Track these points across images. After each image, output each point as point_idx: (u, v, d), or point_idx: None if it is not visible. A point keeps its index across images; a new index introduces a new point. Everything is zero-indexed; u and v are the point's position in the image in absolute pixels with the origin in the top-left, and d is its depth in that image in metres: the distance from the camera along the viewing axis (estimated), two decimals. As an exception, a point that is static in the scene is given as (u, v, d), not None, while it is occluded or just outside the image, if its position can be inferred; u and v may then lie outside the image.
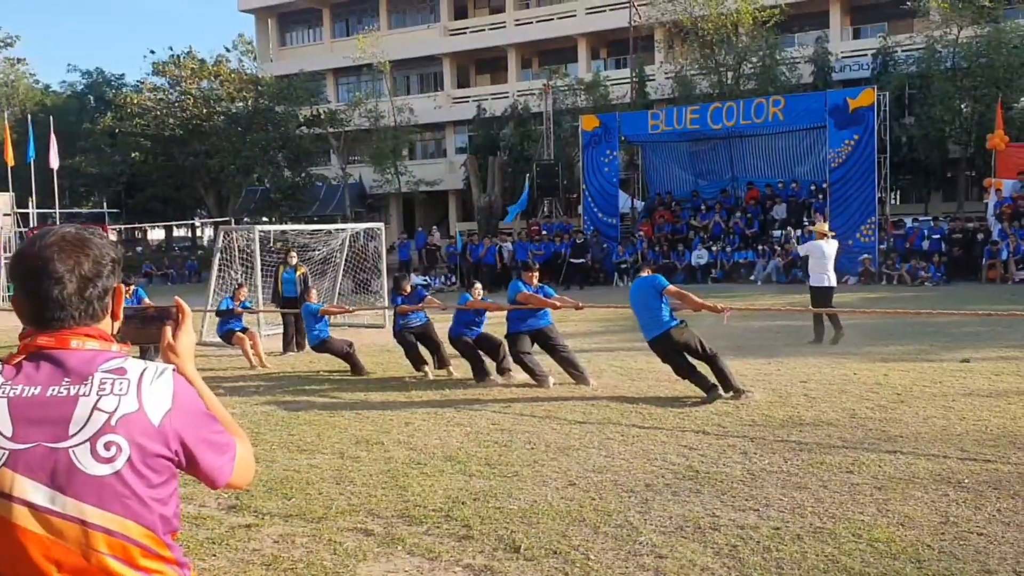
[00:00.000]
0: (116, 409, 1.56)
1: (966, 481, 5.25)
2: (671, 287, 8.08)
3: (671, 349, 7.99)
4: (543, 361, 9.11)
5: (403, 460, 6.15)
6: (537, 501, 5.13)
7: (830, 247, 11.85)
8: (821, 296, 11.67)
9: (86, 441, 1.54)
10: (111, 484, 1.54)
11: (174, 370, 1.67)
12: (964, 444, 6.10)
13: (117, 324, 1.72)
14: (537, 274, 9.22)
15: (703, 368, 7.97)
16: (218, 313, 11.65)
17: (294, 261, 13.00)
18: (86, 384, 1.57)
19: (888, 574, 3.93)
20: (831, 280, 11.82)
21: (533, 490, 5.36)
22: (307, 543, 4.61)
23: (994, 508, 4.76)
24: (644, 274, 8.54)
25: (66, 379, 1.58)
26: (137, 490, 1.56)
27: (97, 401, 1.56)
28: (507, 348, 9.08)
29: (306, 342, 12.35)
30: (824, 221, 12.59)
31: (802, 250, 12.86)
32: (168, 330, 1.81)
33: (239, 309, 11.57)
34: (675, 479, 5.52)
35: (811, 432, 6.61)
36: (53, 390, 1.57)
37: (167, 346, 1.80)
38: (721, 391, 7.80)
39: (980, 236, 21.50)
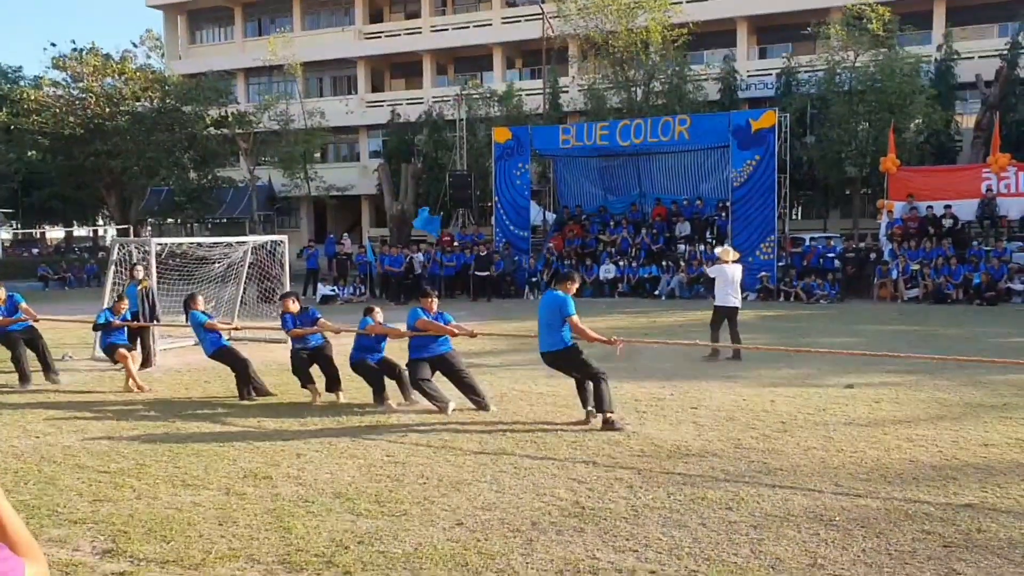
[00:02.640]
0: None
1: (837, 519, 5.47)
2: (574, 318, 8.13)
3: (559, 365, 8.42)
4: (444, 385, 9.10)
5: (290, 497, 6.07)
6: (423, 544, 5.13)
7: (735, 270, 12.60)
8: (726, 315, 12.38)
9: None
10: None
11: None
12: (839, 478, 6.35)
13: None
14: (436, 300, 9.23)
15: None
16: (95, 327, 11.19)
17: (139, 275, 12.75)
18: None
19: (753, 621, 4.07)
20: (736, 301, 12.51)
21: (420, 531, 5.35)
22: (182, 593, 4.51)
23: (860, 548, 4.97)
24: (564, 289, 8.34)
25: None
26: None
27: None
28: (407, 374, 9.05)
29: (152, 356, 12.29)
30: (729, 246, 13.30)
31: (710, 272, 13.46)
32: None
33: (117, 323, 11.10)
34: (561, 516, 5.60)
35: (696, 464, 6.79)
36: None
37: None
38: (592, 414, 8.21)
39: (872, 256, 22.45)
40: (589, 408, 8.22)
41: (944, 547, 4.95)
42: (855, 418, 8.35)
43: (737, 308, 12.58)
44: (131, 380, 10.44)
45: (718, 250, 14.04)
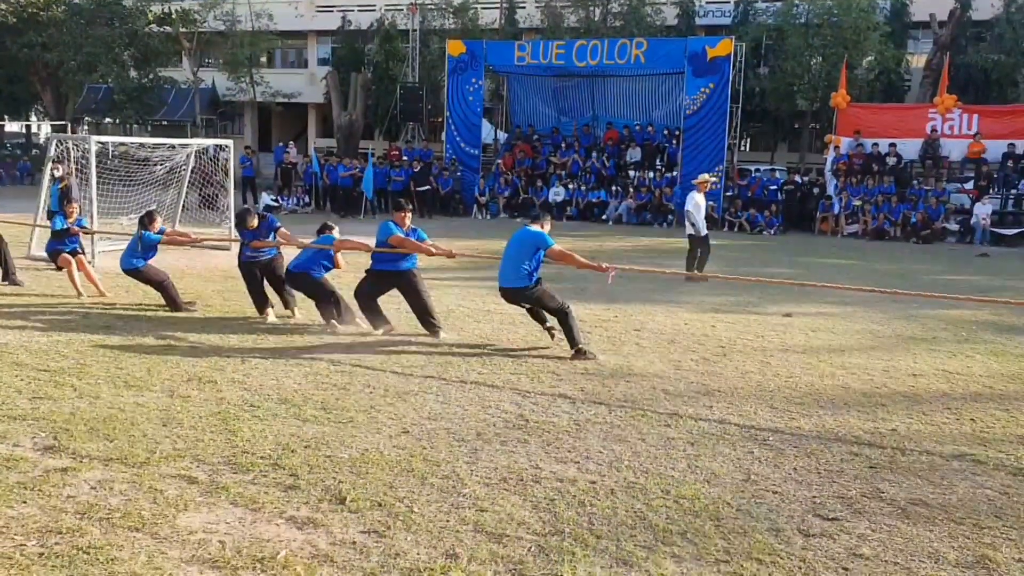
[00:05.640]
0: None
1: (771, 439, 5.68)
2: (556, 248, 7.80)
3: (519, 301, 8.12)
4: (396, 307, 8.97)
5: (236, 401, 6.06)
6: (369, 449, 5.20)
7: (697, 198, 13.15)
8: (705, 243, 13.14)
9: None
10: None
11: None
12: (775, 401, 6.57)
13: None
14: (410, 215, 8.70)
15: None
16: (54, 233, 10.71)
17: (58, 173, 12.46)
18: None
19: (689, 531, 4.23)
20: (690, 229, 13.13)
21: (366, 438, 5.42)
22: (126, 490, 4.51)
23: (791, 466, 5.18)
24: (537, 227, 7.94)
25: None
26: None
27: None
28: (357, 290, 8.72)
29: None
30: (710, 175, 13.67)
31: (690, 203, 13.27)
32: None
33: (75, 228, 10.69)
34: (506, 428, 5.71)
35: (637, 383, 6.95)
36: None
37: None
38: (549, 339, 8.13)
39: (816, 190, 22.80)
40: (549, 325, 8.18)
41: (870, 468, 5.19)
42: (792, 345, 8.60)
43: (691, 236, 13.05)
44: (92, 285, 10.15)
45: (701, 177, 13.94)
